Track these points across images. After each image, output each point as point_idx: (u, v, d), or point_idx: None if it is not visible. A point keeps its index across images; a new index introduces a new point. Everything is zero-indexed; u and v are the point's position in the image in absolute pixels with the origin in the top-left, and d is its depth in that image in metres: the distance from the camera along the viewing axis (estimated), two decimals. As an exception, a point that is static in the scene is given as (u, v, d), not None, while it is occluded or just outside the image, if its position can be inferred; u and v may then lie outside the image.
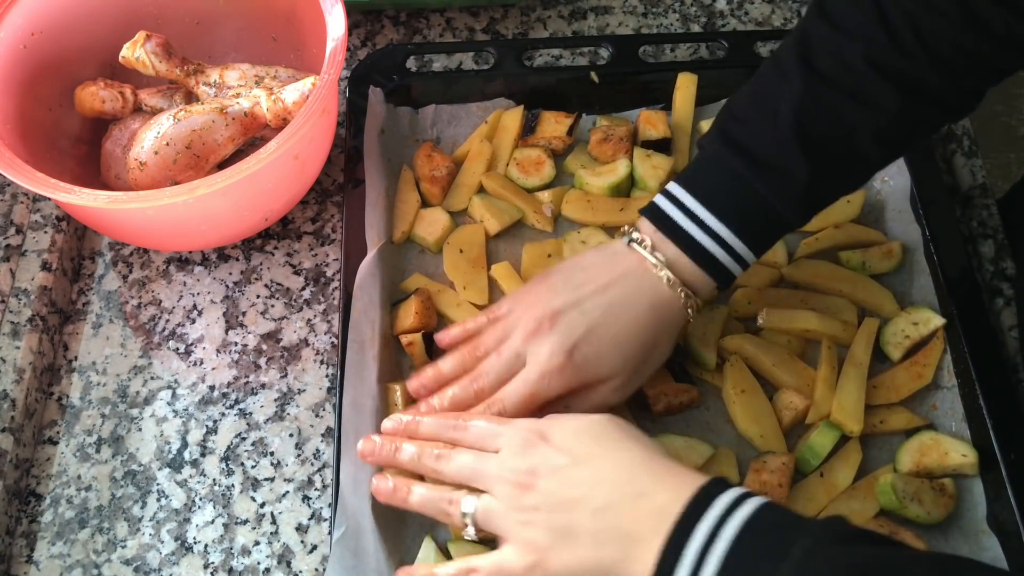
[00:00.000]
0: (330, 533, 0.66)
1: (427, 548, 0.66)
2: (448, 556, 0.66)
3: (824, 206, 0.69)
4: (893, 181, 0.81)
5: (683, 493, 0.54)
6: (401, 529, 0.67)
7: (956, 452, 0.68)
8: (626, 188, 0.82)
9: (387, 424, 0.65)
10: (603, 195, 0.81)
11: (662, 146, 0.83)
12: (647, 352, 0.66)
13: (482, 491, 0.60)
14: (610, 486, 0.56)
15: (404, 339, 0.73)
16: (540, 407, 0.65)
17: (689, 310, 0.66)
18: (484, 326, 0.69)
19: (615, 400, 0.67)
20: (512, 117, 0.85)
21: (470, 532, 0.60)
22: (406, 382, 0.70)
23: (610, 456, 0.58)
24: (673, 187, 0.67)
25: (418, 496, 0.62)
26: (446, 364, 0.68)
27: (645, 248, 0.66)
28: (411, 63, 0.87)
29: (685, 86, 0.85)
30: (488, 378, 0.66)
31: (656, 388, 0.70)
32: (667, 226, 0.66)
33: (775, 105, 0.65)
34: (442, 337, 0.71)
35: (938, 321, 0.74)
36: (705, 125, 0.85)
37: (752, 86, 0.68)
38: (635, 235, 0.67)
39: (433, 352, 0.74)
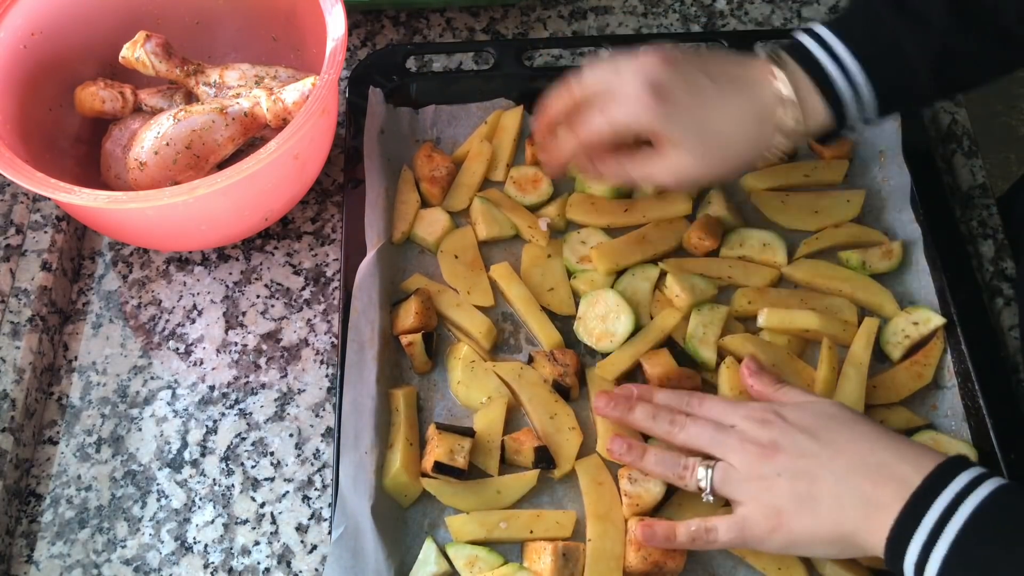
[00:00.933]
0: (330, 533, 0.66)
1: (427, 549, 0.66)
2: (447, 558, 0.66)
3: (962, 84, 0.71)
4: (893, 181, 0.81)
5: (924, 467, 0.57)
6: (401, 529, 0.67)
7: (956, 452, 0.68)
8: (628, 189, 0.82)
9: (621, 389, 0.69)
10: (605, 197, 0.81)
11: None
12: (730, 148, 0.68)
13: (715, 460, 0.63)
14: (851, 456, 0.60)
15: (404, 339, 0.73)
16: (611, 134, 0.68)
17: (785, 135, 0.67)
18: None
19: (691, 169, 0.67)
20: (512, 117, 0.85)
21: (707, 497, 0.64)
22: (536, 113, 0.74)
23: (848, 430, 0.61)
24: (814, 24, 0.69)
25: (652, 457, 0.66)
26: (559, 99, 0.72)
27: (776, 63, 0.67)
28: (411, 63, 0.87)
29: None
30: (579, 79, 0.70)
31: (658, 372, 0.71)
32: (799, 51, 0.68)
33: None
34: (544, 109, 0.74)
35: (938, 321, 0.74)
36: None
37: None
38: (770, 52, 0.69)
39: (433, 352, 0.74)
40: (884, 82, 0.67)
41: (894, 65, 0.67)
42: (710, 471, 0.63)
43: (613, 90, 0.68)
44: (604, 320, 0.74)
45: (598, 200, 0.81)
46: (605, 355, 0.74)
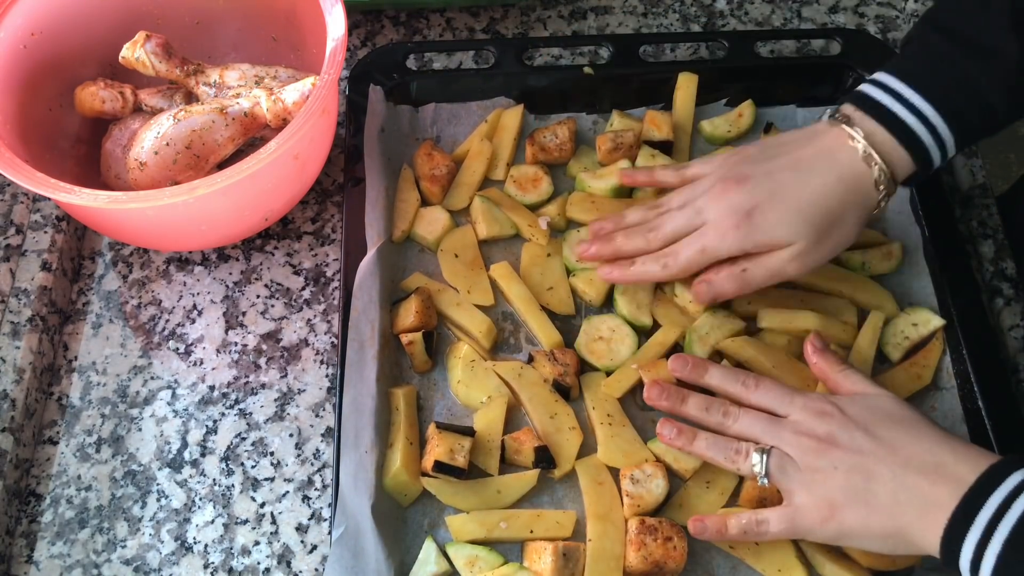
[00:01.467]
0: (330, 533, 0.66)
1: (427, 549, 0.66)
2: (447, 557, 0.66)
3: None
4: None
5: (980, 466, 0.57)
6: (401, 529, 0.67)
7: None
8: (628, 189, 0.82)
9: (674, 364, 0.69)
10: (605, 196, 0.81)
11: (665, 147, 0.83)
12: (830, 224, 0.67)
13: (769, 447, 0.64)
14: (909, 453, 0.60)
15: (404, 338, 0.73)
16: (712, 265, 0.68)
17: (881, 189, 0.67)
18: (670, 180, 0.75)
19: (792, 270, 0.68)
20: (512, 116, 0.85)
21: (763, 481, 0.64)
22: (590, 224, 0.76)
23: (906, 428, 0.62)
24: (877, 74, 0.69)
25: (704, 442, 0.66)
26: (630, 213, 0.74)
27: (848, 124, 0.67)
28: (411, 62, 0.87)
29: (685, 86, 0.85)
30: (663, 230, 0.70)
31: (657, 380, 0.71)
32: (869, 104, 0.67)
33: None
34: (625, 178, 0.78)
35: (937, 322, 0.74)
36: (707, 126, 0.85)
37: None
38: (836, 113, 0.69)
39: (433, 351, 0.74)
40: (962, 121, 0.67)
41: (971, 103, 0.66)
42: (765, 456, 0.63)
43: (702, 229, 0.69)
44: (608, 343, 0.74)
45: (598, 199, 0.81)
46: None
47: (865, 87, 0.69)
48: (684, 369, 0.69)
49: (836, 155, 0.67)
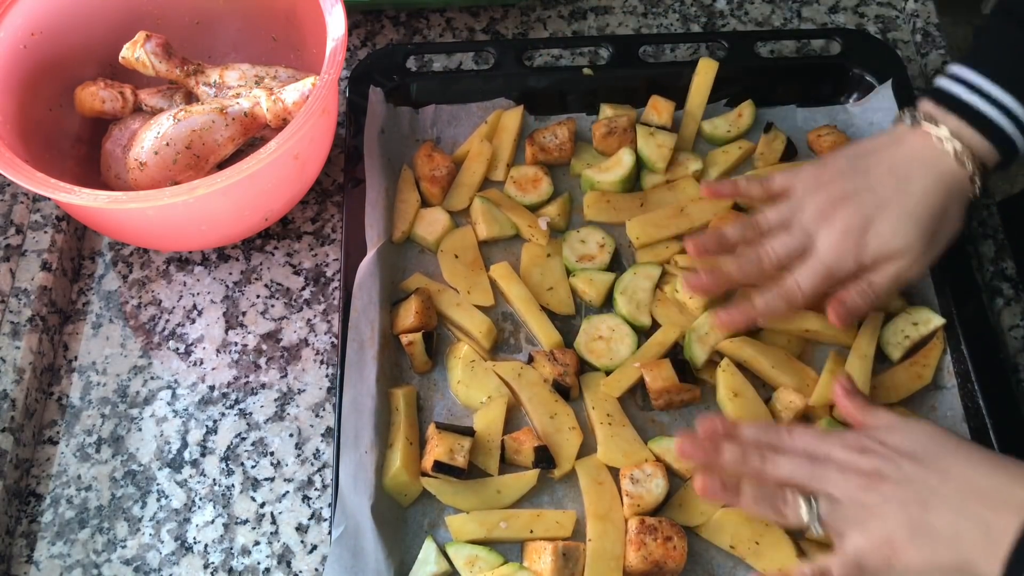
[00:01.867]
0: (330, 533, 0.66)
1: (427, 548, 0.66)
2: (447, 557, 0.66)
3: None
4: None
5: None
6: (401, 528, 0.67)
7: None
8: (637, 179, 0.82)
9: (703, 427, 0.66)
10: (616, 191, 0.81)
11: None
12: (938, 222, 0.68)
13: (813, 492, 0.61)
14: (961, 480, 0.57)
15: (404, 338, 0.73)
16: (835, 285, 0.68)
17: (976, 181, 0.67)
18: (755, 193, 0.74)
19: (915, 272, 0.69)
20: (512, 117, 0.85)
21: (816, 530, 0.61)
22: (684, 241, 0.73)
23: (952, 453, 0.59)
24: (952, 67, 0.69)
25: (750, 497, 0.63)
26: (730, 230, 0.72)
27: (932, 123, 0.67)
28: (411, 63, 0.87)
29: (704, 71, 0.85)
30: (776, 252, 0.69)
31: (659, 386, 0.70)
32: (949, 101, 0.67)
33: None
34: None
35: (938, 321, 0.74)
36: (706, 126, 0.85)
37: None
38: (917, 114, 0.68)
39: (433, 351, 0.74)
40: None
41: None
42: (814, 503, 0.61)
43: (813, 243, 0.69)
44: (608, 342, 0.74)
45: (613, 197, 0.81)
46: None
47: (942, 82, 0.68)
48: (716, 438, 0.65)
49: (928, 158, 0.67)
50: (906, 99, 0.83)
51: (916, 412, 0.72)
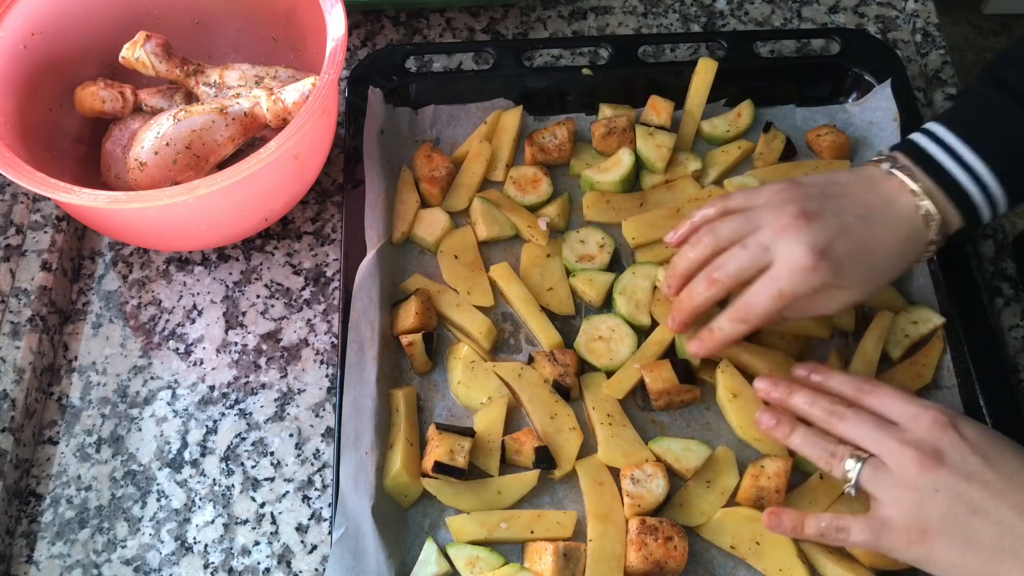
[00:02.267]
0: (330, 533, 0.66)
1: (428, 550, 0.66)
2: (448, 558, 0.66)
3: None
4: None
5: None
6: (401, 530, 0.67)
7: None
8: (635, 176, 0.82)
9: (799, 371, 0.67)
10: (616, 191, 0.81)
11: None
12: (890, 274, 0.67)
13: (868, 454, 0.60)
14: (1022, 493, 0.55)
15: (404, 339, 0.73)
16: (785, 308, 0.65)
17: (931, 248, 0.66)
18: (709, 214, 0.69)
19: (834, 310, 0.66)
20: (511, 117, 0.85)
21: (850, 490, 0.60)
22: (664, 274, 0.72)
23: (1022, 464, 0.57)
24: (931, 125, 0.68)
25: (801, 436, 0.63)
26: (691, 251, 0.68)
27: (908, 176, 0.66)
28: (411, 63, 0.87)
29: (704, 71, 0.85)
30: (727, 270, 0.66)
31: (659, 387, 0.70)
32: (922, 158, 0.66)
33: None
34: (671, 239, 0.71)
35: (937, 320, 0.74)
36: (705, 126, 0.85)
37: None
38: (895, 162, 0.67)
39: (433, 352, 0.74)
40: (1015, 179, 0.65)
41: None
42: (860, 464, 0.60)
43: (770, 259, 0.65)
44: (608, 342, 0.74)
45: (612, 197, 0.81)
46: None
47: (919, 138, 0.67)
48: (792, 384, 0.66)
49: (899, 211, 0.65)
50: (905, 99, 0.83)
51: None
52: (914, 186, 0.65)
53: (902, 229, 0.65)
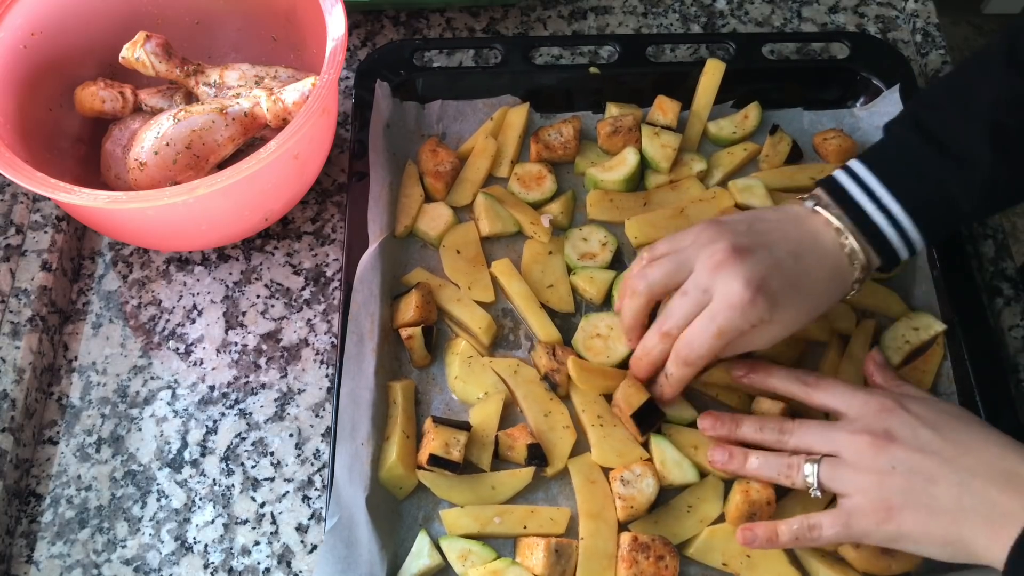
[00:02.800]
0: (324, 522, 0.66)
1: (421, 541, 0.66)
2: (440, 551, 0.66)
3: (1005, 206, 0.69)
4: None
5: None
6: (395, 521, 0.67)
7: None
8: (640, 179, 0.82)
9: (737, 371, 0.69)
10: (620, 190, 0.81)
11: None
12: (817, 310, 0.66)
13: (822, 455, 0.62)
14: (977, 458, 0.57)
15: (404, 332, 0.73)
16: (724, 346, 0.64)
17: (855, 287, 0.67)
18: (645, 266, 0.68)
19: (763, 346, 0.66)
20: (518, 114, 0.85)
21: (815, 493, 0.62)
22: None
23: (975, 431, 0.59)
24: (854, 163, 0.68)
25: (755, 463, 0.65)
26: (629, 302, 0.69)
27: (831, 213, 0.66)
28: (418, 58, 0.87)
29: (712, 72, 0.85)
30: (674, 320, 0.66)
31: (621, 403, 0.70)
32: (843, 199, 0.67)
33: (971, 96, 0.66)
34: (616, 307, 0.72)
35: (939, 327, 0.74)
36: (712, 127, 0.85)
37: (949, 78, 0.70)
38: (819, 201, 0.67)
39: (432, 346, 0.74)
40: (931, 223, 0.66)
41: (941, 208, 0.66)
42: (816, 466, 0.62)
43: (706, 300, 0.64)
44: (605, 340, 0.74)
45: (616, 196, 0.81)
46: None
47: (841, 176, 0.68)
48: (744, 376, 0.68)
49: (824, 247, 0.66)
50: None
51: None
52: (838, 224, 0.66)
53: (828, 265, 0.65)
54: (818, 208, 0.67)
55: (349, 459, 0.67)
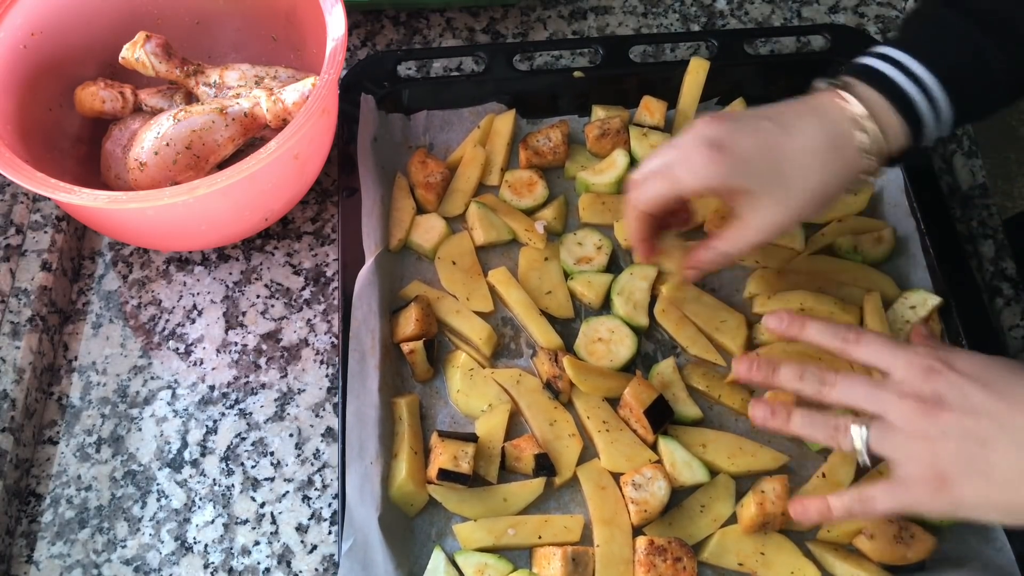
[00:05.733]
0: (333, 537, 0.66)
1: (436, 558, 0.66)
2: (456, 566, 0.65)
3: None
4: (887, 175, 0.81)
5: None
6: (409, 539, 0.67)
7: None
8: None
9: (770, 321, 0.64)
10: (612, 193, 0.81)
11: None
12: (811, 184, 0.63)
13: (869, 416, 0.58)
14: None
15: (405, 347, 0.73)
16: (681, 202, 0.63)
17: (870, 157, 0.63)
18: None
19: (779, 216, 0.63)
20: (504, 121, 0.85)
21: (864, 459, 0.58)
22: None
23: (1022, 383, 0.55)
24: (878, 47, 0.66)
25: (800, 419, 0.61)
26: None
27: (844, 88, 0.64)
28: (402, 69, 0.87)
29: (696, 70, 0.85)
30: (642, 193, 0.65)
31: (628, 403, 0.71)
32: (866, 71, 0.64)
33: None
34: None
35: (934, 300, 0.74)
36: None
37: None
38: (834, 80, 0.65)
39: (434, 359, 0.73)
40: (965, 97, 0.64)
41: (978, 80, 0.63)
42: (864, 429, 0.57)
43: (671, 159, 0.64)
44: (608, 344, 0.74)
45: (608, 199, 0.81)
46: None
47: (863, 58, 0.65)
48: (780, 325, 0.64)
49: (824, 114, 0.63)
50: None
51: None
52: (846, 95, 0.63)
53: (823, 133, 0.62)
54: (830, 84, 0.65)
55: (359, 479, 0.66)
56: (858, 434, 0.58)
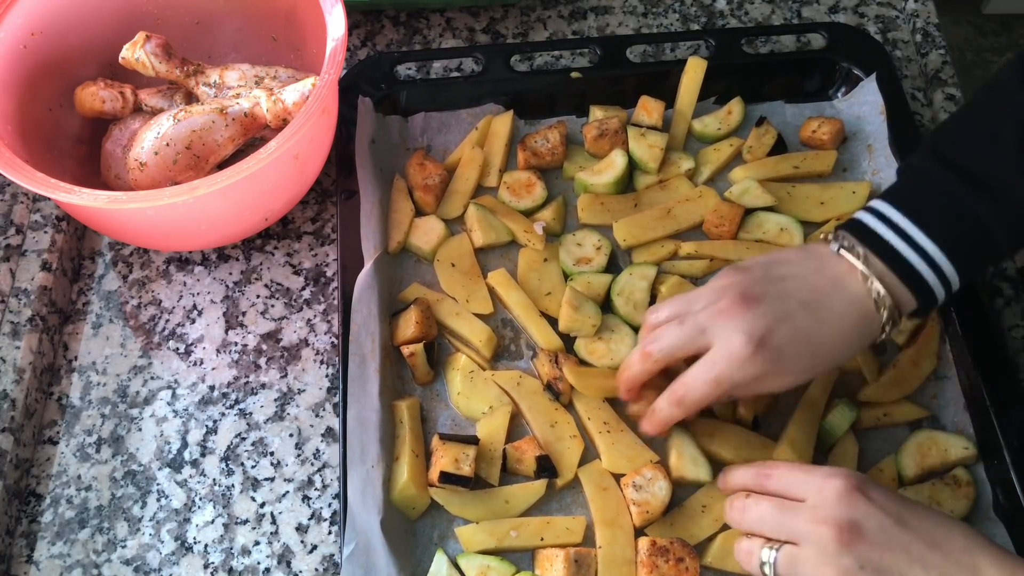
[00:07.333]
0: (336, 540, 0.66)
1: (439, 561, 0.66)
2: (459, 569, 0.65)
3: None
4: (883, 173, 0.81)
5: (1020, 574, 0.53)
6: (411, 542, 0.67)
7: (956, 447, 0.69)
8: (628, 177, 0.82)
9: (720, 483, 0.66)
10: (610, 193, 0.81)
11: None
12: (838, 360, 0.64)
13: (780, 544, 0.58)
14: (945, 556, 0.54)
15: (405, 350, 0.73)
16: (721, 396, 0.63)
17: (887, 329, 0.63)
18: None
19: (777, 390, 0.64)
20: (502, 122, 0.85)
21: None
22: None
23: (939, 523, 0.56)
24: (878, 204, 0.65)
25: (717, 549, 0.64)
26: (642, 341, 0.67)
27: (857, 258, 0.63)
28: (400, 71, 0.87)
29: (693, 70, 0.85)
30: (660, 344, 0.64)
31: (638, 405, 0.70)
32: (872, 241, 0.63)
33: (996, 124, 0.64)
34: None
35: None
36: (696, 124, 0.85)
37: (965, 111, 0.68)
38: (844, 243, 0.64)
39: (434, 361, 0.73)
40: (968, 261, 0.64)
41: (977, 242, 0.64)
42: (774, 553, 0.57)
43: (709, 349, 0.62)
44: (608, 343, 0.74)
45: (607, 199, 0.81)
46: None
47: (866, 217, 0.65)
48: (722, 483, 0.65)
49: (849, 293, 0.63)
50: (892, 92, 0.83)
51: (918, 403, 0.72)
52: (864, 268, 0.63)
53: (852, 314, 0.62)
54: (843, 251, 0.64)
55: (361, 483, 0.66)
56: (768, 557, 0.58)
